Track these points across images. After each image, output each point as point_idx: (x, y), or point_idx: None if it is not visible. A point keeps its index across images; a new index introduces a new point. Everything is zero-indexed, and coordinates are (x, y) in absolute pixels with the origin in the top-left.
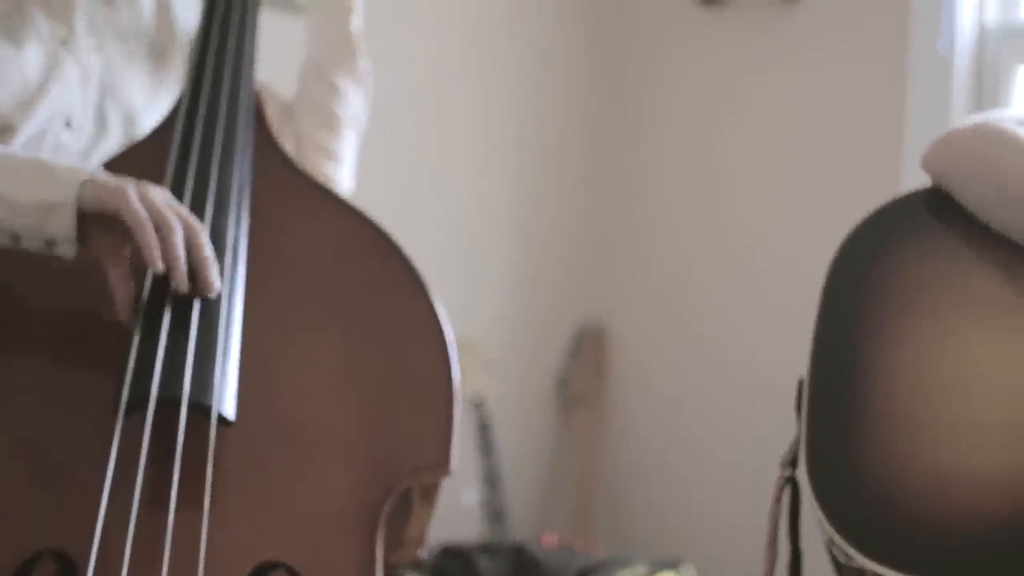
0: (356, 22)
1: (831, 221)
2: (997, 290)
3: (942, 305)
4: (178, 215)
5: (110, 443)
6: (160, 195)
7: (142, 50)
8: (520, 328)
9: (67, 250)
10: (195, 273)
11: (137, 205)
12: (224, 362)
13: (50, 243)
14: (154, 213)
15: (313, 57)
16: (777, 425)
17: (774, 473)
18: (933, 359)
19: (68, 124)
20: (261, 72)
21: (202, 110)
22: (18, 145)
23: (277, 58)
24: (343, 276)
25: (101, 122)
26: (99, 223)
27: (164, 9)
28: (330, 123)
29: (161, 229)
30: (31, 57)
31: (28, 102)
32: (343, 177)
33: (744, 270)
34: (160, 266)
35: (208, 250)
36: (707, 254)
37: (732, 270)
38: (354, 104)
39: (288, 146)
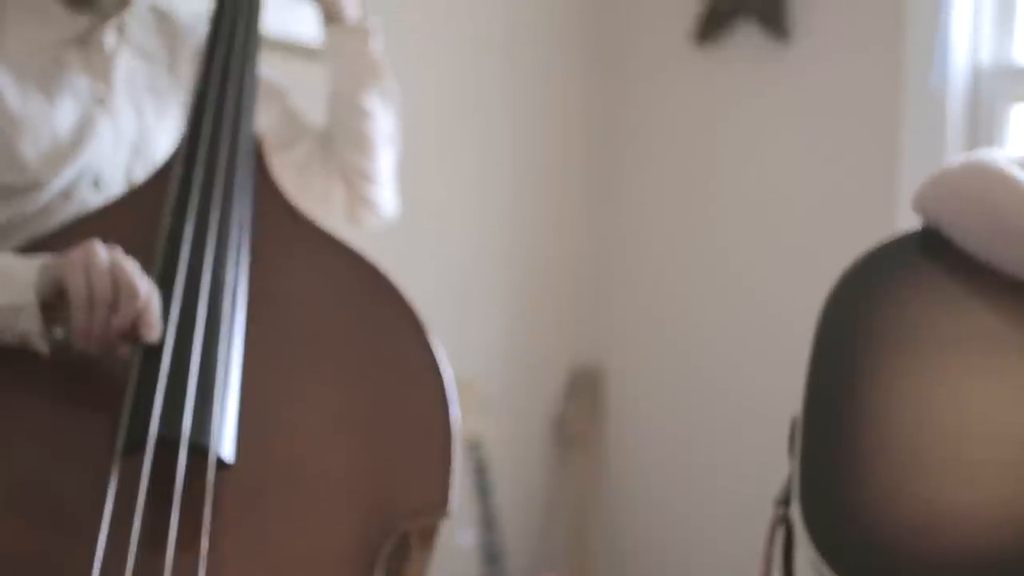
0: (377, 44)
1: (826, 259)
2: (989, 329)
3: (934, 344)
4: (114, 284)
5: (109, 484)
6: (103, 264)
7: (175, 104)
8: (516, 369)
9: (40, 344)
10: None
11: (80, 284)
12: (223, 403)
13: (24, 339)
14: (93, 287)
15: (339, 85)
16: (772, 464)
17: (770, 512)
18: (926, 397)
19: (96, 183)
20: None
21: (202, 153)
22: (43, 201)
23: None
24: (342, 318)
25: (129, 182)
26: (61, 298)
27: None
28: (364, 146)
29: (93, 306)
30: (65, 113)
31: (58, 159)
32: (385, 198)
33: (739, 309)
34: (80, 344)
35: (131, 318)
36: (702, 294)
37: (727, 309)
38: (385, 123)
39: (328, 177)
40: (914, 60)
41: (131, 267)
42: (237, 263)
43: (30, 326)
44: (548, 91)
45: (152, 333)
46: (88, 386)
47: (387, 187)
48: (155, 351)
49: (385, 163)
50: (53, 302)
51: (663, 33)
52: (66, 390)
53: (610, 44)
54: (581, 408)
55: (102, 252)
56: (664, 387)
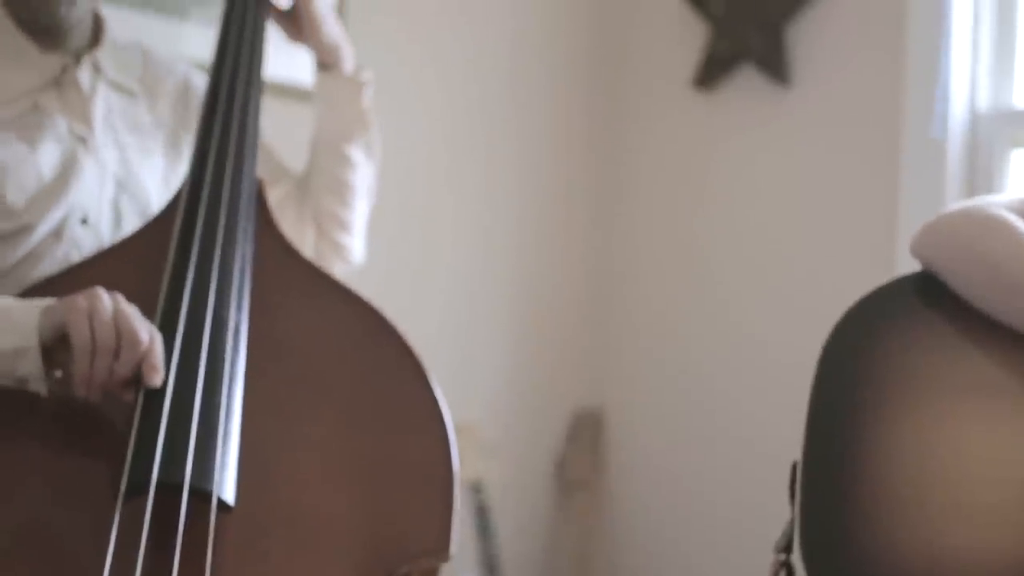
0: (367, 97)
1: (826, 303)
2: (988, 374)
3: (934, 389)
4: (117, 330)
5: (110, 528)
6: (107, 310)
7: (159, 142)
8: (517, 412)
9: (39, 387)
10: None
11: (84, 329)
12: (225, 447)
13: (22, 382)
14: (96, 334)
15: (325, 132)
16: (773, 507)
17: (771, 556)
18: (926, 443)
19: (85, 221)
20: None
21: (205, 196)
22: (34, 243)
23: (289, 143)
24: (343, 362)
25: (117, 219)
26: (62, 343)
27: (183, 100)
28: (344, 194)
29: (96, 352)
30: (47, 155)
31: (44, 200)
32: (356, 247)
33: (739, 353)
34: (81, 392)
35: (133, 365)
36: (702, 337)
37: (727, 354)
38: (366, 174)
39: (301, 220)
40: (913, 105)
41: (134, 314)
42: (239, 306)
43: (31, 369)
44: (551, 136)
45: (155, 377)
46: (89, 430)
47: (359, 237)
48: (157, 395)
49: (360, 213)
50: (54, 346)
51: (666, 76)
52: (67, 434)
53: (614, 87)
54: (582, 451)
55: (106, 299)
56: (665, 431)
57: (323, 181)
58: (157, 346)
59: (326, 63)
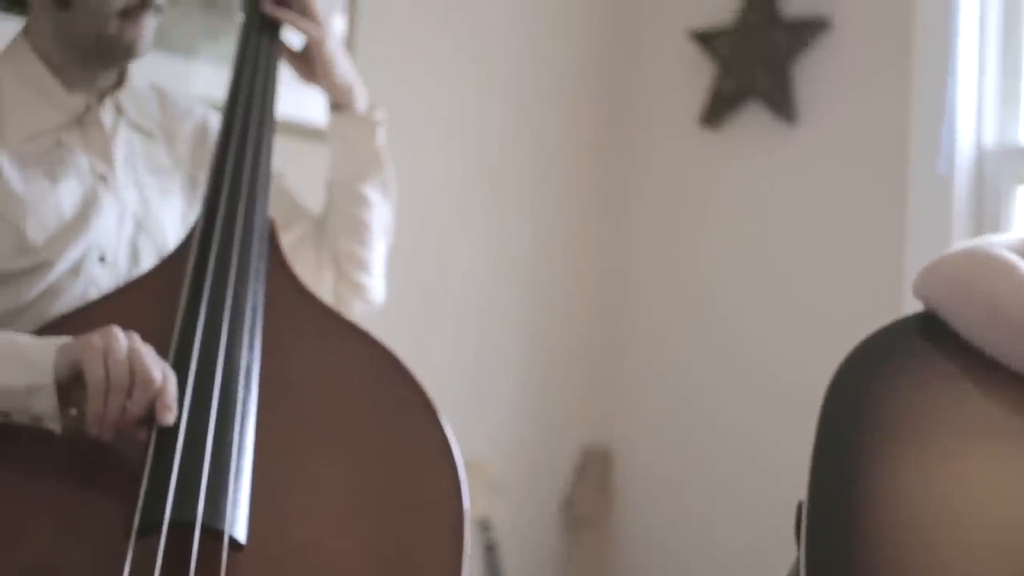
0: (381, 137)
1: (834, 342)
2: (991, 415)
3: (938, 430)
4: (131, 369)
5: (123, 566)
6: (122, 349)
7: (177, 183)
8: (526, 450)
9: (53, 425)
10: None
11: (99, 368)
12: (237, 485)
13: (37, 419)
14: (110, 373)
15: (340, 173)
16: (781, 547)
17: None
18: (930, 484)
19: (103, 259)
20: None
21: (217, 235)
22: (52, 280)
23: (301, 182)
24: (354, 401)
25: (134, 257)
26: (79, 385)
27: (201, 142)
28: (362, 234)
29: (109, 391)
30: (68, 192)
31: (64, 238)
32: (375, 286)
33: (746, 391)
34: (94, 430)
35: (146, 404)
36: (710, 374)
37: (734, 391)
38: (383, 214)
39: (319, 262)
40: (919, 142)
41: (148, 353)
42: (251, 346)
43: (45, 407)
44: (560, 174)
45: (168, 416)
46: (101, 468)
47: (378, 276)
48: (170, 433)
49: (379, 253)
50: (69, 384)
51: (674, 114)
52: (79, 471)
53: (623, 125)
54: (590, 488)
55: (121, 337)
56: (673, 469)
57: (340, 221)
58: (171, 385)
59: (339, 103)
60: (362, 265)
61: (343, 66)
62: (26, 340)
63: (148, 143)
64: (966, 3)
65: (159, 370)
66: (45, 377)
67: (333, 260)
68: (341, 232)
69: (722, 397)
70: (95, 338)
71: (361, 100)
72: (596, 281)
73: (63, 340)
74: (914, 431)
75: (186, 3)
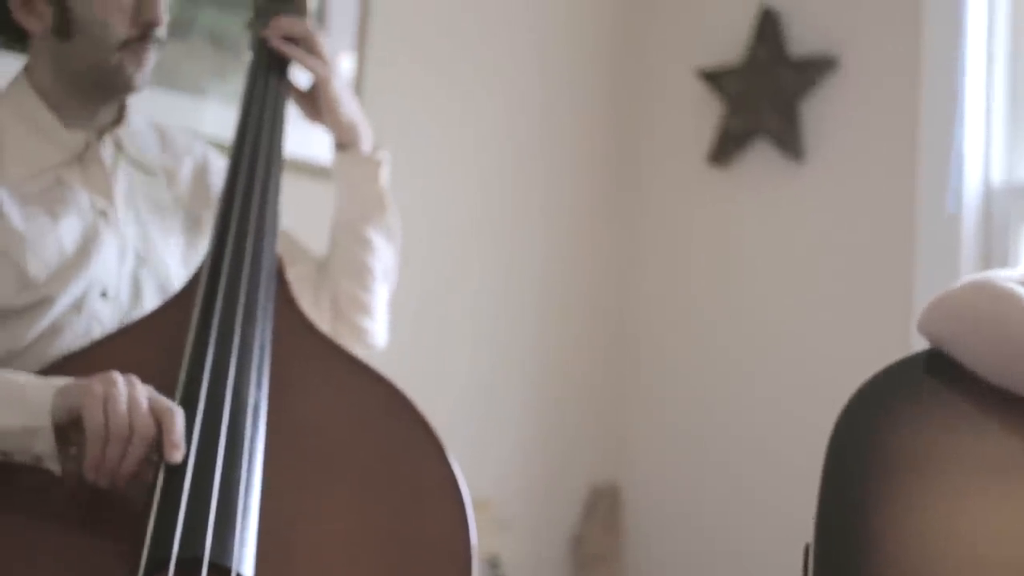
0: (384, 177)
1: (842, 380)
2: (1000, 451)
3: (946, 468)
4: (133, 422)
5: None
6: (122, 399)
7: (178, 220)
8: (534, 488)
9: (53, 466)
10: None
11: (98, 416)
12: (244, 522)
13: (37, 459)
14: (110, 423)
15: (344, 213)
16: None
17: None
18: (938, 523)
19: (104, 294)
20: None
21: (225, 274)
22: (55, 316)
23: (305, 220)
24: (362, 437)
25: (136, 292)
26: (77, 428)
27: (200, 179)
28: (364, 277)
29: (108, 440)
30: (68, 228)
31: (65, 273)
32: (377, 331)
33: (754, 428)
34: (90, 476)
35: (144, 446)
36: (717, 412)
37: (742, 428)
38: (386, 258)
39: (317, 303)
40: (927, 180)
41: (149, 399)
42: (258, 384)
43: (43, 448)
44: (568, 213)
45: (176, 455)
46: (106, 507)
47: (380, 321)
48: (177, 471)
49: (380, 297)
50: (67, 426)
51: (682, 152)
52: (83, 511)
53: (631, 164)
54: (599, 527)
55: (121, 385)
56: (681, 505)
57: (342, 263)
58: (179, 422)
59: (343, 143)
60: (363, 308)
61: (348, 105)
62: (24, 380)
63: (148, 180)
64: (974, 41)
65: (158, 415)
66: (43, 419)
67: (332, 301)
68: (342, 273)
69: (730, 434)
70: (95, 385)
71: (366, 140)
72: (604, 318)
73: (62, 382)
74: (921, 470)
75: (194, 41)
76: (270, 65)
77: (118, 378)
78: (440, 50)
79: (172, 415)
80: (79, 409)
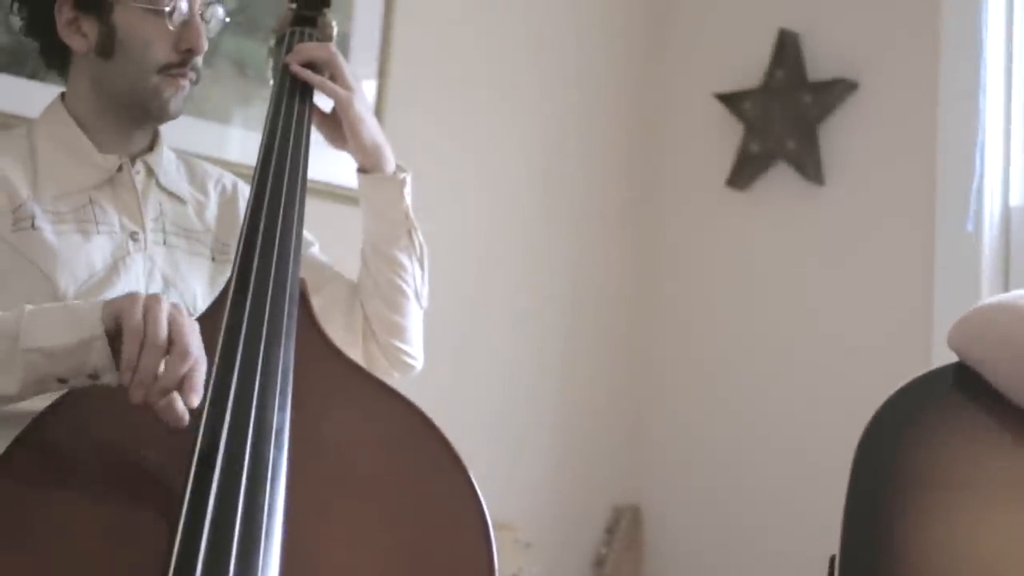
0: (408, 196)
1: (863, 399)
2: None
3: (971, 482)
4: (171, 336)
5: None
6: (164, 312)
7: (206, 247)
8: (556, 509)
9: (110, 379)
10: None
11: (136, 316)
12: (267, 547)
13: (93, 376)
14: (147, 326)
15: (372, 236)
16: None
17: None
18: (963, 537)
19: None
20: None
21: (249, 298)
22: None
23: (334, 244)
24: (385, 461)
25: None
26: (118, 335)
27: (229, 209)
28: (395, 299)
29: (144, 344)
30: (98, 247)
31: (93, 290)
32: (413, 353)
33: (776, 448)
34: (125, 379)
35: (180, 372)
36: (738, 432)
37: (764, 448)
38: (416, 278)
39: (350, 325)
40: (946, 202)
41: (191, 328)
42: (282, 407)
43: (100, 359)
44: (588, 238)
45: (195, 398)
46: (127, 532)
47: (416, 344)
48: (201, 495)
49: (414, 319)
50: (116, 337)
51: (702, 176)
52: (102, 543)
53: (651, 187)
54: (621, 547)
55: (165, 304)
56: (703, 527)
57: (373, 285)
58: (201, 369)
59: (366, 166)
60: (397, 330)
61: (370, 128)
62: (75, 303)
63: (178, 207)
64: (993, 63)
65: (196, 344)
66: (96, 329)
67: (366, 323)
68: (374, 295)
69: (751, 454)
70: (138, 295)
71: (388, 163)
72: (625, 340)
73: (109, 298)
74: (947, 483)
75: (218, 67)
76: (293, 90)
77: (162, 298)
78: (461, 76)
79: (197, 360)
80: (120, 312)
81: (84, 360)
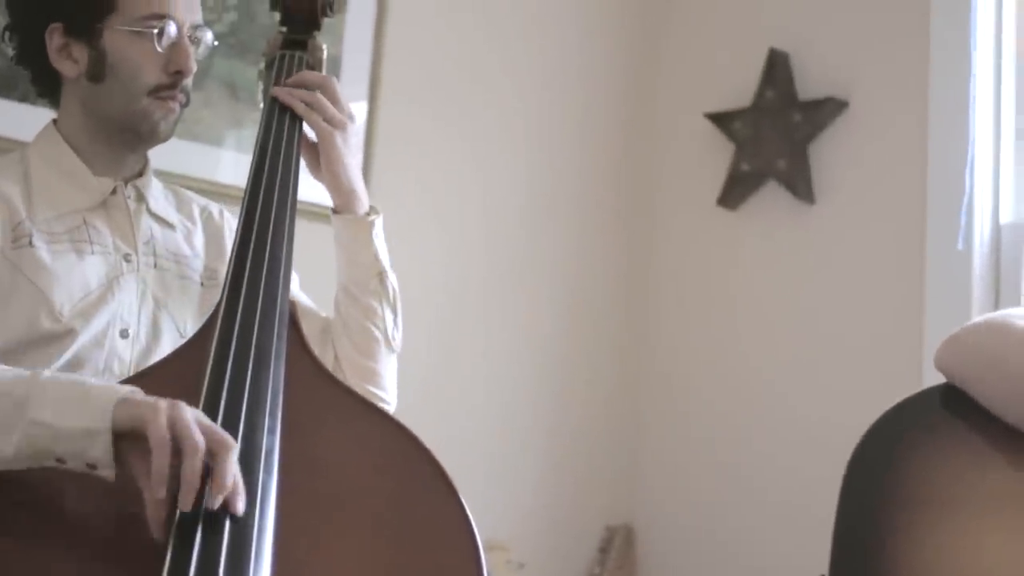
0: (378, 238)
1: (854, 417)
2: (1014, 487)
3: (959, 501)
4: (206, 436)
5: None
6: (188, 415)
7: (197, 271)
8: (549, 528)
9: (107, 473)
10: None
11: (163, 426)
12: (257, 568)
13: (91, 466)
14: (178, 434)
15: (344, 279)
16: None
17: None
18: (951, 555)
19: (125, 334)
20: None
21: (238, 319)
22: (77, 348)
23: (324, 264)
24: (375, 483)
25: (156, 334)
26: (133, 442)
27: (216, 236)
28: (366, 343)
29: (182, 452)
30: (93, 267)
31: (89, 308)
32: (386, 397)
33: (767, 466)
34: (161, 494)
35: (230, 476)
36: (731, 450)
37: (755, 466)
38: (387, 323)
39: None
40: (936, 220)
41: (211, 423)
42: (271, 429)
43: (100, 453)
44: (581, 257)
45: (241, 503)
46: (117, 559)
47: (387, 388)
48: (189, 518)
49: (385, 364)
50: (123, 437)
51: (694, 195)
52: (93, 564)
53: (643, 208)
54: (613, 568)
55: (186, 408)
56: (695, 546)
57: (342, 327)
58: (232, 460)
59: (338, 206)
60: (367, 375)
61: (347, 169)
62: (90, 381)
63: (167, 232)
64: (982, 81)
65: (230, 439)
66: (104, 422)
67: (336, 364)
68: (344, 337)
69: (743, 472)
70: (159, 403)
71: (362, 205)
72: (618, 359)
73: (127, 389)
74: (936, 503)
75: (209, 90)
76: (283, 113)
77: (184, 405)
78: (451, 100)
79: (228, 450)
80: (141, 422)
81: (86, 448)
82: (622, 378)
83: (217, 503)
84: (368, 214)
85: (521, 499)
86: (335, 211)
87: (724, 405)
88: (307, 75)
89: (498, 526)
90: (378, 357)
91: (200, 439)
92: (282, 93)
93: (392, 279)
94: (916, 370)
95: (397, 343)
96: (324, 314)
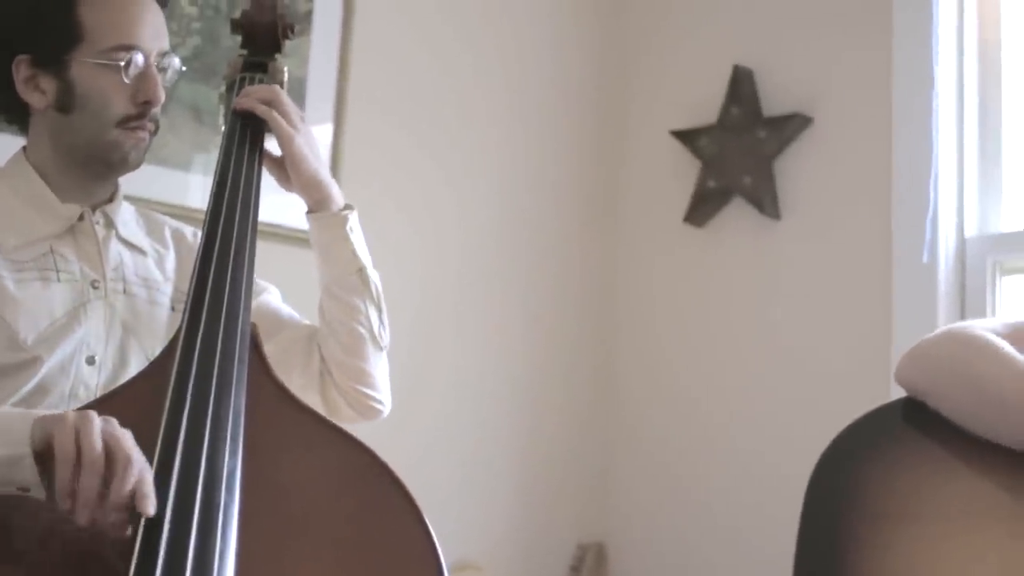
0: (354, 230)
1: (823, 432)
2: (978, 496)
3: (923, 513)
4: (109, 449)
5: None
6: (94, 428)
7: (166, 296)
8: (521, 547)
9: (39, 493)
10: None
11: (67, 440)
12: None
13: (24, 489)
14: (79, 447)
15: (324, 279)
16: None
17: None
18: (915, 567)
19: (91, 361)
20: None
21: (199, 342)
22: (42, 376)
23: (285, 287)
24: (338, 504)
25: (123, 361)
26: (51, 459)
27: (188, 259)
28: (352, 342)
29: (80, 466)
30: (60, 295)
31: (54, 337)
32: (379, 396)
33: (736, 482)
34: (65, 505)
35: (128, 488)
36: (700, 466)
37: (725, 482)
38: (372, 320)
39: (307, 369)
40: (902, 234)
41: (125, 437)
42: (233, 451)
43: (27, 477)
44: (547, 276)
45: (147, 505)
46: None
47: (379, 388)
48: (152, 540)
49: (375, 363)
50: (46, 455)
51: (660, 212)
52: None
53: (610, 225)
54: None
55: (96, 420)
56: (667, 562)
57: (327, 329)
58: (148, 476)
59: (312, 206)
60: (357, 375)
61: (312, 164)
62: (6, 411)
63: (138, 257)
64: (945, 95)
65: (137, 454)
66: (24, 447)
67: (324, 367)
68: (329, 339)
69: (713, 488)
70: (70, 414)
71: (335, 202)
72: (586, 377)
73: (41, 412)
74: (898, 515)
75: (175, 114)
76: (244, 134)
77: (94, 415)
78: (418, 121)
79: (142, 469)
80: (51, 435)
81: (14, 474)
82: (593, 397)
83: (111, 517)
84: (342, 210)
85: (493, 518)
86: (309, 211)
87: (696, 422)
88: (256, 91)
89: (470, 546)
90: (366, 356)
91: (98, 453)
92: (240, 100)
93: (374, 276)
94: (885, 384)
95: (385, 341)
96: (308, 322)
